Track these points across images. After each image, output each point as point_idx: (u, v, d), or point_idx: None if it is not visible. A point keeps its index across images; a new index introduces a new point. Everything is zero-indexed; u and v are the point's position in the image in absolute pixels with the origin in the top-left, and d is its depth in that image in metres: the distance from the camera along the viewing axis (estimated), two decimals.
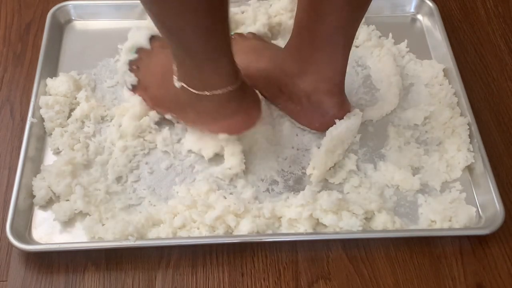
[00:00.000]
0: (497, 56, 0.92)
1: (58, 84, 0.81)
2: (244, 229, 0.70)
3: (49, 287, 0.68)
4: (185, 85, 0.70)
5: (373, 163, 0.78)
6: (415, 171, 0.78)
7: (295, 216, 0.70)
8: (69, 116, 0.80)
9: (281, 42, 0.88)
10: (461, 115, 0.81)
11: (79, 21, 0.91)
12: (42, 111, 0.78)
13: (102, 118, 0.80)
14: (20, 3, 0.94)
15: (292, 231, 0.71)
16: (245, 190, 0.75)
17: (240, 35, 0.87)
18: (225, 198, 0.72)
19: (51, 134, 0.78)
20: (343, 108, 0.77)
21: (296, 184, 0.76)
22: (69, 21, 0.91)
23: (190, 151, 0.77)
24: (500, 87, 0.88)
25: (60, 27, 0.90)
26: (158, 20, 0.63)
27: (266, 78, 0.79)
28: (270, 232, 0.71)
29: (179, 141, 0.79)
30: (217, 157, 0.77)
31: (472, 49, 0.92)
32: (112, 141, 0.78)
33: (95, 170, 0.75)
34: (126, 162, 0.76)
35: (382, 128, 0.82)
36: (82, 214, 0.72)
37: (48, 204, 0.72)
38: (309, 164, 0.77)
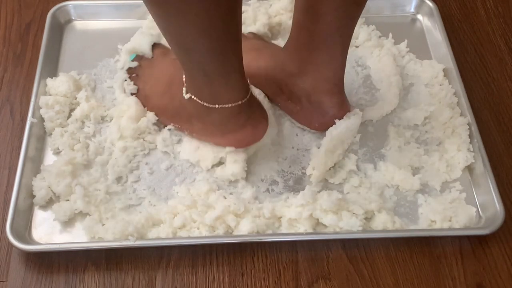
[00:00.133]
0: (497, 56, 0.92)
1: (58, 84, 0.81)
2: (244, 229, 0.70)
3: (49, 287, 0.68)
4: (194, 97, 0.70)
5: (373, 163, 0.78)
6: (415, 171, 0.78)
7: (295, 216, 0.70)
8: (69, 116, 0.80)
9: (281, 42, 0.88)
10: (461, 115, 0.81)
11: (79, 21, 0.91)
12: (42, 111, 0.78)
13: (102, 118, 0.80)
14: (20, 3, 0.94)
15: (292, 231, 0.71)
16: (245, 190, 0.75)
17: None
18: (225, 198, 0.72)
19: (51, 134, 0.78)
20: (342, 108, 0.77)
21: (296, 184, 0.76)
22: (69, 21, 0.91)
23: (187, 161, 0.77)
24: (500, 87, 0.88)
25: (60, 27, 0.90)
26: (170, 38, 0.63)
27: (267, 77, 0.79)
28: (270, 232, 0.71)
29: (179, 141, 0.79)
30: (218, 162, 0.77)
31: (472, 49, 0.92)
32: (112, 141, 0.78)
33: (95, 170, 0.75)
34: (126, 162, 0.76)
35: (382, 128, 0.82)
36: (82, 214, 0.72)
37: (48, 204, 0.72)
38: (309, 164, 0.77)
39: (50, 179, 0.72)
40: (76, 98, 0.81)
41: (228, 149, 0.74)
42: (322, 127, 0.78)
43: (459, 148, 0.78)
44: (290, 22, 0.89)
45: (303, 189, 0.74)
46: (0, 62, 0.87)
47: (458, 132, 0.79)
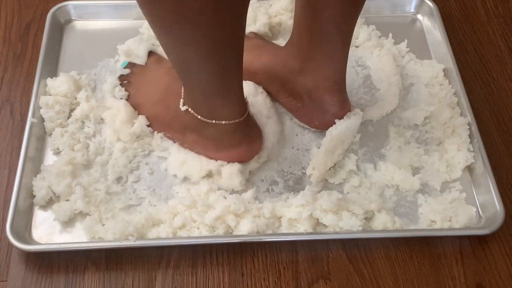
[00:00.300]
0: (497, 56, 0.92)
1: (58, 84, 0.81)
2: (244, 229, 0.70)
3: (49, 287, 0.68)
4: (191, 110, 0.70)
5: (373, 163, 0.78)
6: (415, 171, 0.78)
7: (295, 216, 0.70)
8: (69, 116, 0.80)
9: (282, 42, 0.88)
10: (461, 115, 0.81)
11: (79, 21, 0.91)
12: (42, 111, 0.78)
13: (102, 118, 0.80)
14: (20, 3, 0.94)
15: (292, 231, 0.71)
16: (245, 190, 0.75)
17: None
18: (225, 198, 0.72)
19: (51, 134, 0.78)
20: (343, 107, 0.77)
21: (296, 184, 0.76)
22: (69, 21, 0.91)
23: (175, 176, 0.76)
24: (500, 87, 0.88)
25: (60, 27, 0.90)
26: (171, 58, 0.63)
27: (269, 74, 0.79)
28: (270, 232, 0.71)
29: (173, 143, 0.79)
30: None
31: (472, 49, 0.92)
32: (112, 142, 0.78)
33: (95, 171, 0.75)
34: (126, 162, 0.76)
35: (382, 128, 0.82)
36: (82, 214, 0.72)
37: (48, 204, 0.72)
38: (309, 164, 0.77)
39: (50, 179, 0.72)
40: (76, 98, 0.81)
41: (220, 162, 0.74)
42: (322, 126, 0.78)
43: (459, 148, 0.78)
44: (290, 22, 0.89)
45: (303, 189, 0.74)
46: (0, 62, 0.87)
47: (458, 132, 0.79)
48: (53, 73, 0.84)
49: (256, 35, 0.88)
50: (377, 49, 0.89)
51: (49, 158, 0.77)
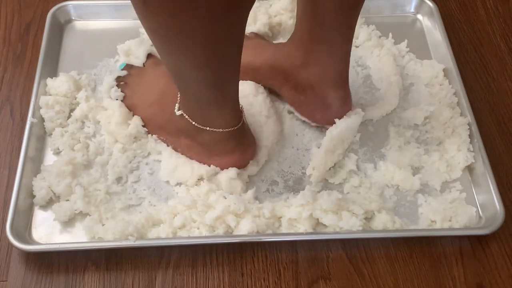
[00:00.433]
0: (497, 56, 0.92)
1: (58, 84, 0.81)
2: (244, 229, 0.70)
3: (49, 287, 0.68)
4: (185, 115, 0.70)
5: (373, 163, 0.78)
6: (415, 171, 0.78)
7: (295, 216, 0.70)
8: (69, 116, 0.80)
9: (282, 42, 0.88)
10: (461, 115, 0.81)
11: (79, 21, 0.91)
12: (42, 111, 0.78)
13: (98, 120, 0.80)
14: (20, 3, 0.94)
15: (292, 231, 0.71)
16: (245, 190, 0.75)
17: None
18: (225, 198, 0.72)
19: (51, 134, 0.78)
20: (346, 102, 0.77)
21: (296, 184, 0.76)
22: (69, 21, 0.91)
23: (167, 182, 0.75)
24: (500, 87, 0.88)
25: (60, 27, 0.90)
26: (167, 66, 0.63)
27: (272, 67, 0.79)
28: (270, 232, 0.71)
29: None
30: None
31: (472, 49, 0.92)
32: (110, 143, 0.77)
33: (95, 171, 0.75)
34: (126, 162, 0.76)
35: (382, 128, 0.82)
36: (82, 214, 0.72)
37: (48, 204, 0.72)
38: (309, 164, 0.77)
39: (50, 179, 0.72)
40: (76, 98, 0.81)
41: (212, 167, 0.74)
42: (324, 121, 0.78)
43: (459, 148, 0.78)
44: (290, 22, 0.89)
45: (303, 189, 0.74)
46: (0, 62, 0.87)
47: (458, 132, 0.79)
48: (53, 73, 0.84)
49: (256, 35, 0.88)
50: (377, 49, 0.89)
51: (49, 158, 0.77)
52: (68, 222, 0.71)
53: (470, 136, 0.79)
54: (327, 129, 0.77)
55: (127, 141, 0.77)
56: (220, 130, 0.69)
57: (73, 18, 0.91)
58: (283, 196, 0.75)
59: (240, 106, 0.71)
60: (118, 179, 0.75)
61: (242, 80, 0.81)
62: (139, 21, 0.88)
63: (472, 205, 0.74)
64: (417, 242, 0.72)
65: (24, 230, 0.70)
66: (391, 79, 0.85)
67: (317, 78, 0.75)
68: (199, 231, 0.70)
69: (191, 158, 0.75)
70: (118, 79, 0.82)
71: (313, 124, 0.80)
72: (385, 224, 0.71)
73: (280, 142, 0.80)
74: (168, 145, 0.77)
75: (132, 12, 0.89)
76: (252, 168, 0.76)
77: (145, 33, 0.88)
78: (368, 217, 0.73)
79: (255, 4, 0.91)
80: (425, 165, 0.78)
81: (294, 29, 0.76)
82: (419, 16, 0.95)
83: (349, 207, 0.71)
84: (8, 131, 0.80)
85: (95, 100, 0.81)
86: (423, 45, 0.91)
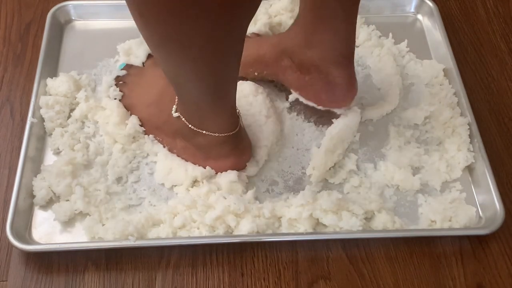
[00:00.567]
0: (497, 56, 0.92)
1: (58, 84, 0.81)
2: (244, 229, 0.70)
3: (49, 287, 0.68)
4: (182, 118, 0.70)
5: (373, 163, 0.78)
6: (415, 171, 0.78)
7: (295, 216, 0.70)
8: (69, 116, 0.80)
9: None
10: (461, 115, 0.81)
11: (79, 21, 0.91)
12: (42, 111, 0.78)
13: (96, 121, 0.80)
14: (20, 3, 0.94)
15: (292, 231, 0.71)
16: (245, 190, 0.75)
17: None
18: (225, 198, 0.72)
19: (51, 134, 0.78)
20: (350, 81, 0.77)
21: (296, 184, 0.76)
22: (69, 21, 0.91)
23: (162, 184, 0.75)
24: (500, 87, 0.88)
25: (60, 27, 0.90)
26: (166, 73, 0.63)
27: (276, 49, 0.79)
28: (270, 232, 0.71)
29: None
30: None
31: (472, 49, 0.92)
32: (110, 144, 0.77)
33: (95, 171, 0.75)
34: (126, 163, 0.76)
35: (383, 128, 0.82)
36: (82, 214, 0.72)
37: (48, 204, 0.72)
38: (309, 164, 0.77)
39: (50, 179, 0.72)
40: (76, 98, 0.81)
41: (208, 169, 0.74)
42: (328, 100, 0.78)
43: (459, 148, 0.78)
44: (290, 22, 0.89)
45: (303, 189, 0.74)
46: (0, 62, 0.87)
47: (458, 132, 0.79)
48: (53, 73, 0.84)
49: (257, 35, 0.88)
50: (377, 49, 0.89)
51: (49, 158, 0.77)
52: (68, 222, 0.71)
53: (470, 136, 0.79)
54: (327, 129, 0.77)
55: (126, 141, 0.77)
56: (217, 134, 0.69)
57: (73, 18, 0.91)
58: (283, 196, 0.75)
59: (237, 110, 0.71)
60: (118, 179, 0.75)
61: (245, 73, 0.81)
62: None
63: (472, 205, 0.74)
64: (417, 242, 0.72)
65: (24, 230, 0.70)
66: (391, 79, 0.85)
67: (322, 57, 0.75)
68: (199, 231, 0.70)
69: (187, 160, 0.75)
70: (117, 78, 0.82)
71: (319, 107, 0.79)
72: (385, 224, 0.71)
73: (280, 142, 0.80)
74: (164, 146, 0.77)
75: None
76: (251, 168, 0.76)
77: None
78: (368, 217, 0.73)
79: None
80: (425, 165, 0.78)
81: (297, 15, 0.77)
82: (419, 16, 0.95)
83: (349, 207, 0.71)
84: (8, 131, 0.80)
85: (95, 100, 0.81)
86: (423, 45, 0.91)
